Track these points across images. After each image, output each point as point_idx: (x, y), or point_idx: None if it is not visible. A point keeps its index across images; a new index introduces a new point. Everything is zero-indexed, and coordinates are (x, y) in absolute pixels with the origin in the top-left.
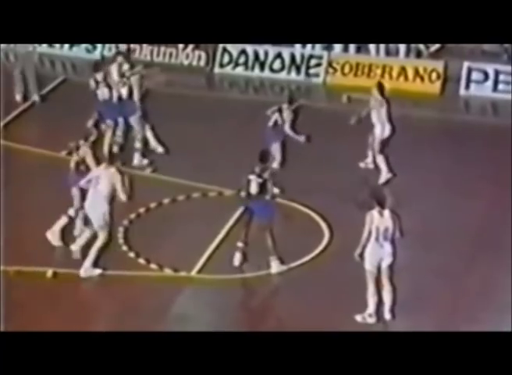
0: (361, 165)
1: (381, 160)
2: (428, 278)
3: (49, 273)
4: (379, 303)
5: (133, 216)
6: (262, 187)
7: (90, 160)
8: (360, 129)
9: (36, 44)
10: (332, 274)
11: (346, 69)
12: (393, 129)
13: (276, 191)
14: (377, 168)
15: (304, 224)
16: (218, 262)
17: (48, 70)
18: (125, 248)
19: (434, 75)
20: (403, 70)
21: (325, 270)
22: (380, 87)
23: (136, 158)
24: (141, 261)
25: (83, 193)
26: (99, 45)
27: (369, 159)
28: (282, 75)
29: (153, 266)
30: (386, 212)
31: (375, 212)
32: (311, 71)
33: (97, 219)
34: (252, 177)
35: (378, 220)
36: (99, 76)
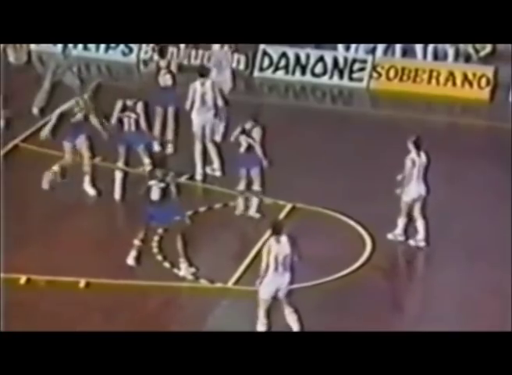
0: (389, 236)
1: (402, 221)
2: (475, 290)
3: (82, 282)
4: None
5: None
6: (165, 192)
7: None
8: (407, 136)
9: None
10: (372, 287)
11: (391, 74)
12: (428, 190)
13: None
14: (407, 239)
15: (346, 235)
16: (256, 273)
17: (82, 74)
18: (160, 257)
19: (483, 81)
20: (451, 75)
21: (367, 282)
22: (416, 144)
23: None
24: (176, 271)
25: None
26: (135, 48)
27: (399, 229)
28: (324, 79)
29: (188, 276)
30: (283, 238)
31: (272, 241)
32: (355, 75)
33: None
34: (153, 183)
35: (277, 248)
36: (163, 62)
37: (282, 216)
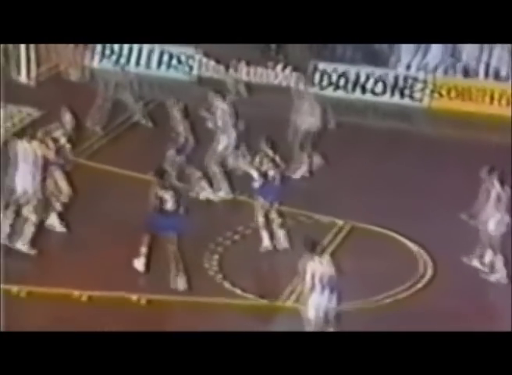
0: (475, 263)
1: (499, 259)
2: None
3: (143, 300)
4: None
5: (228, 242)
6: (178, 203)
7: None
8: (468, 157)
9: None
10: (428, 307)
11: (453, 94)
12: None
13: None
14: (493, 268)
15: (403, 254)
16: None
17: (145, 92)
18: (220, 275)
19: None
20: None
21: (423, 303)
22: (500, 178)
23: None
24: (237, 290)
25: None
26: (196, 66)
27: (487, 257)
28: (385, 98)
29: (248, 295)
30: (326, 259)
31: (314, 262)
32: (415, 95)
33: None
34: (164, 192)
35: (320, 269)
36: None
37: (339, 235)
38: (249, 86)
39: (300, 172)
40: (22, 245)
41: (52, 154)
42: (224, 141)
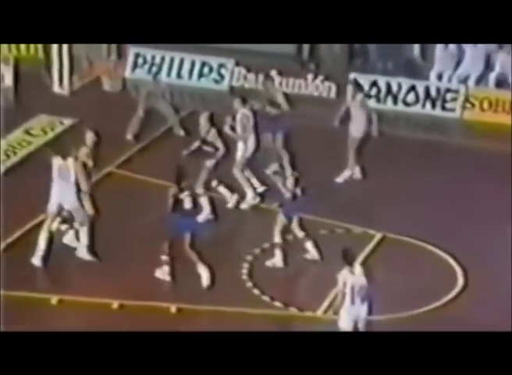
0: None
1: None
2: None
3: (173, 308)
4: None
5: (257, 251)
6: (195, 203)
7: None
8: (500, 168)
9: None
10: (461, 319)
11: (485, 105)
12: None
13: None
14: None
15: (436, 266)
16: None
17: (177, 102)
18: (249, 284)
19: None
20: None
21: (455, 315)
22: None
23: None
24: (266, 298)
25: None
26: (227, 76)
27: None
28: (417, 109)
29: (277, 304)
30: (357, 269)
31: (345, 272)
32: (447, 105)
33: None
34: (183, 195)
35: (352, 279)
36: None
37: (371, 245)
38: (288, 97)
39: (343, 176)
40: (83, 254)
41: (81, 171)
42: (242, 148)
